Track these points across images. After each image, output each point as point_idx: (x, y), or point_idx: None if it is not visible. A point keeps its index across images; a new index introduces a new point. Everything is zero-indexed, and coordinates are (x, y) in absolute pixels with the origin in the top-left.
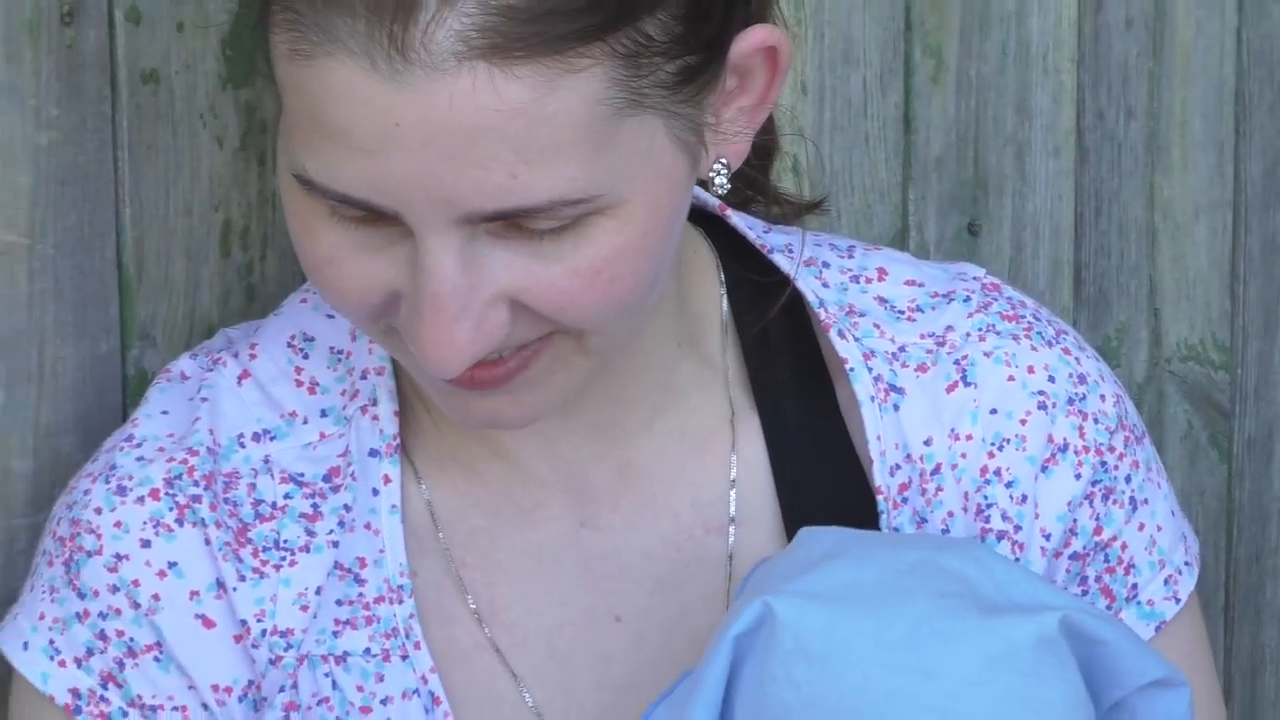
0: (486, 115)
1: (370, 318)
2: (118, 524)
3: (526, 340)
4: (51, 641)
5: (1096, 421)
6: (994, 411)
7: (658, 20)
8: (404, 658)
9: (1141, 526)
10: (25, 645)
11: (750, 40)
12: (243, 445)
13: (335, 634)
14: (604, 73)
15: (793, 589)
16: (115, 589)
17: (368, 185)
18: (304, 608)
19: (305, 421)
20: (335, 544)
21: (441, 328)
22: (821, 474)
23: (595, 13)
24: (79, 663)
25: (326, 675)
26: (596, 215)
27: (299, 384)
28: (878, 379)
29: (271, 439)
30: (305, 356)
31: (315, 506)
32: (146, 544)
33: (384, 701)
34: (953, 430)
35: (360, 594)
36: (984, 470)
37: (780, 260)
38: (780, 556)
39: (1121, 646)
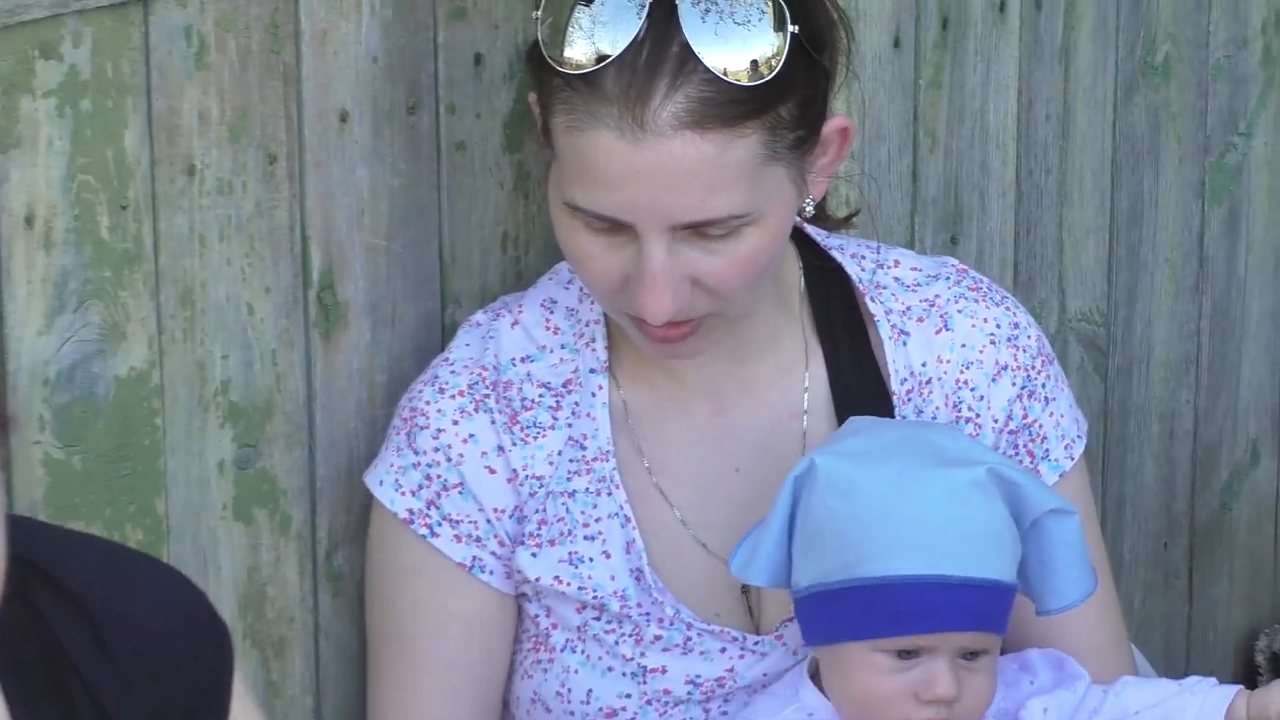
0: (690, 163)
1: (611, 292)
2: (439, 410)
3: (695, 313)
4: (397, 480)
5: (1025, 351)
6: (963, 346)
7: (787, 107)
8: (609, 494)
9: (1051, 414)
10: (381, 482)
11: (833, 123)
12: (514, 364)
13: (568, 479)
14: (757, 138)
15: (827, 450)
16: (436, 449)
17: (615, 208)
18: (550, 463)
19: (551, 351)
20: (569, 425)
21: (656, 295)
22: (858, 383)
23: (754, 102)
24: (413, 493)
25: (563, 504)
26: (748, 226)
27: (548, 329)
28: (894, 326)
29: (532, 361)
30: (552, 312)
31: (558, 402)
32: (456, 422)
33: (596, 520)
34: (939, 357)
35: (583, 455)
36: (957, 381)
37: (836, 254)
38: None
39: (1028, 486)
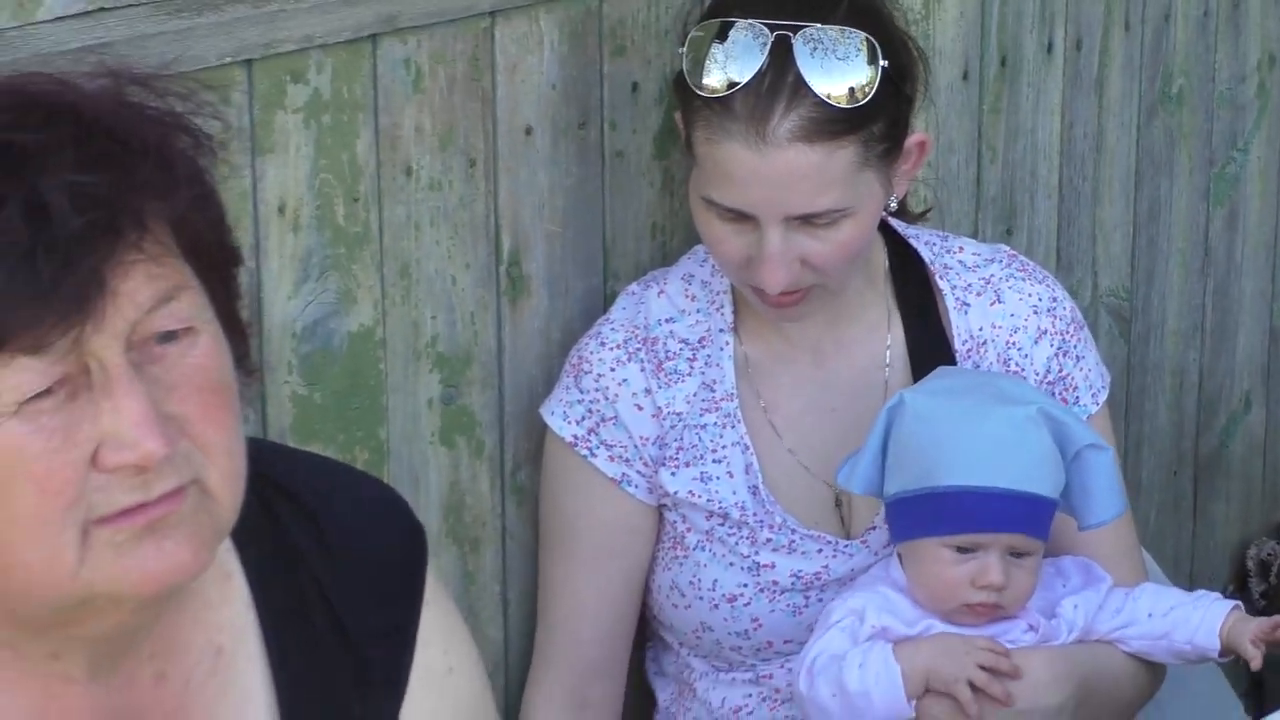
0: (801, 169)
1: (737, 268)
2: (600, 359)
3: (802, 285)
4: (565, 412)
5: (1060, 319)
6: (1012, 315)
7: (878, 125)
8: (733, 427)
9: (1081, 369)
10: (552, 413)
11: (914, 138)
12: (660, 324)
13: (701, 415)
14: (854, 149)
15: (916, 388)
16: (597, 389)
17: (743, 203)
18: (687, 401)
19: (689, 314)
20: (703, 373)
21: (772, 271)
22: (929, 343)
23: (851, 121)
24: (578, 423)
25: (696, 434)
26: (845, 218)
27: (687, 296)
28: (957, 299)
29: (674, 322)
30: (690, 284)
31: (694, 354)
32: (613, 369)
33: (722, 447)
34: (993, 324)
35: (713, 396)
36: (1007, 344)
37: (913, 242)
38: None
39: (1071, 424)
